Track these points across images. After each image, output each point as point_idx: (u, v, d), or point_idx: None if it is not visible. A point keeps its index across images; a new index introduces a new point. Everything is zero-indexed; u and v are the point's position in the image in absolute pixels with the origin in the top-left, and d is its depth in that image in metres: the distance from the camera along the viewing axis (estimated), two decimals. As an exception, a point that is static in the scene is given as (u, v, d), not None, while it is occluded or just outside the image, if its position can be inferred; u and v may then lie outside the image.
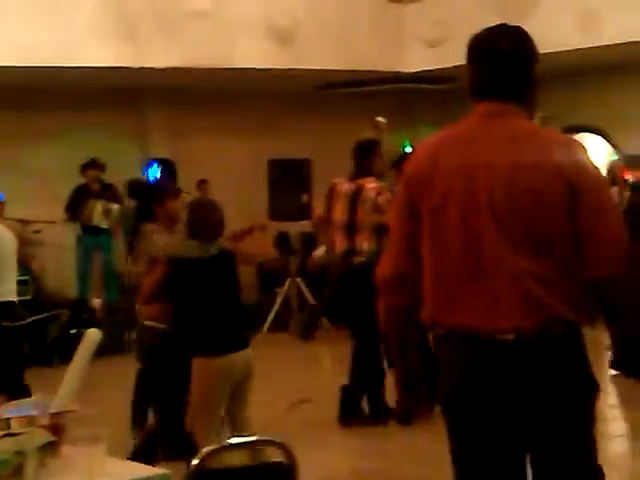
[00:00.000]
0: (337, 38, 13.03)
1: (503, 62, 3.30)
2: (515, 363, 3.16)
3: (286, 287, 13.34)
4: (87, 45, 11.58)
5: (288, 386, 9.20)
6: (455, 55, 14.12)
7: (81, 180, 13.00)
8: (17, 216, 12.00)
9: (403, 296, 3.42)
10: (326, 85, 14.25)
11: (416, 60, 13.74)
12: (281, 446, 3.04)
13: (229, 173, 14.19)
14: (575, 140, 3.42)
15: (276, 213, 13.83)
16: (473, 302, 3.19)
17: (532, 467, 3.24)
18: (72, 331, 11.25)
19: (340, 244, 7.92)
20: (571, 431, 3.21)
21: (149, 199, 7.28)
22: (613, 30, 11.94)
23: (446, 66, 13.56)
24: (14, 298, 7.96)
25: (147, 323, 6.29)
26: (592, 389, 3.25)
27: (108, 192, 13.01)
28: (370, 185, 7.91)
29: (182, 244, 5.93)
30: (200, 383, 5.60)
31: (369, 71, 13.44)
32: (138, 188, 12.22)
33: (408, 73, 13.93)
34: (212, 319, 5.63)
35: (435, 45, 13.52)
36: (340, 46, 13.05)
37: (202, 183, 13.63)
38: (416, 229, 3.32)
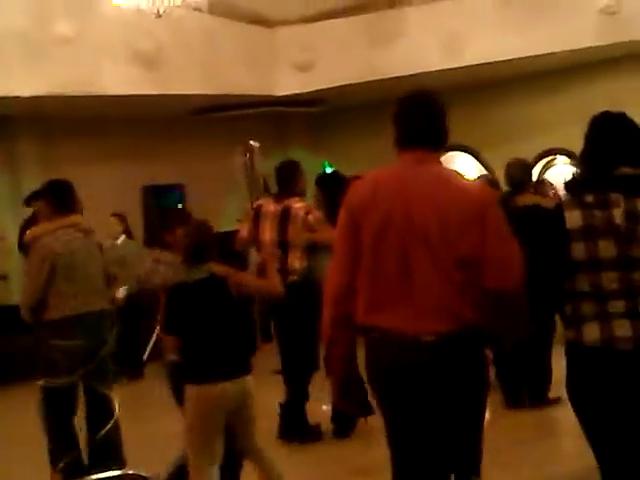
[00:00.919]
0: (203, 63, 13.03)
1: (424, 121, 4.19)
2: (433, 359, 3.95)
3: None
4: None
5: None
6: (325, 78, 14.44)
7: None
8: None
9: (349, 305, 4.09)
10: (197, 110, 14.23)
11: (286, 83, 13.86)
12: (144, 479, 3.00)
13: (103, 200, 14.02)
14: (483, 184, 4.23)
15: (150, 240, 13.71)
16: (403, 309, 3.98)
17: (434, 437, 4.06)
18: None
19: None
20: (466, 412, 4.07)
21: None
22: (474, 51, 12.28)
23: (316, 89, 13.74)
24: None
25: (168, 357, 5.90)
26: (484, 384, 4.14)
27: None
28: (297, 205, 8.01)
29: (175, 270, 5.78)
30: (192, 412, 5.41)
31: (239, 95, 13.47)
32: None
33: (279, 96, 14.03)
34: (202, 345, 5.42)
35: (305, 69, 13.65)
36: (207, 70, 13.06)
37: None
38: (357, 247, 4.08)
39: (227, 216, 13.70)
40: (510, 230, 4.04)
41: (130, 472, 2.92)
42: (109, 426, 6.46)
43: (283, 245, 7.98)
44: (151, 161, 14.57)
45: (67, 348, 6.51)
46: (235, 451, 5.57)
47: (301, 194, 8.23)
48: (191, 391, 5.38)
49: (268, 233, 8.10)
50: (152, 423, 8.86)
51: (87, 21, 12.08)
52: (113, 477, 2.97)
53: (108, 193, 14.25)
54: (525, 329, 4.25)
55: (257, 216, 8.25)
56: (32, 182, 13.78)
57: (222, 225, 14.05)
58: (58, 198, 6.86)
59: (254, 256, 8.38)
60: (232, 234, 12.33)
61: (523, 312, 4.01)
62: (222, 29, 13.18)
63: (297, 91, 13.95)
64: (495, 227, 3.98)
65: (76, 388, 6.64)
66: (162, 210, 13.95)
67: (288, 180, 8.18)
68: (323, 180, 8.84)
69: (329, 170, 10.48)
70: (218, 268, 5.49)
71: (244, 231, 8.43)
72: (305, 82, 13.74)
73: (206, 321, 5.41)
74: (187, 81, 12.83)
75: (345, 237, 4.15)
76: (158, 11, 10.42)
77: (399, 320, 3.97)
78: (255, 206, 8.56)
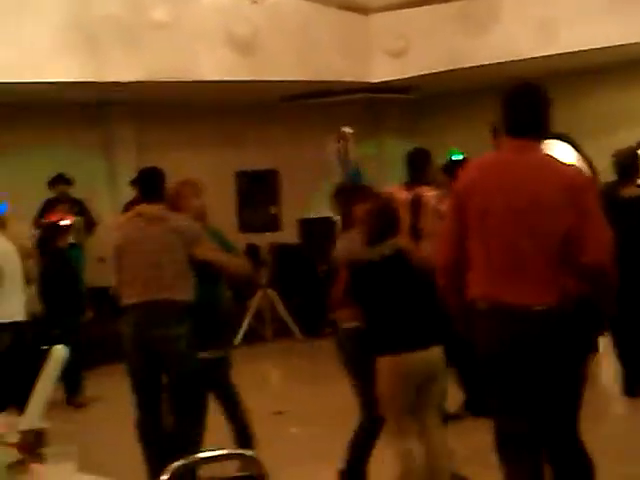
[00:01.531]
0: (299, 48, 13.04)
1: (527, 112, 4.56)
2: (543, 328, 4.41)
3: (257, 299, 13.34)
4: (52, 60, 11.52)
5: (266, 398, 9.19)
6: (418, 65, 14.35)
7: (50, 194, 12.90)
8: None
9: (456, 276, 4.65)
10: (291, 96, 14.28)
11: (380, 70, 13.81)
12: (250, 459, 3.03)
13: (197, 185, 14.18)
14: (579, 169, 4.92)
15: (245, 225, 13.84)
16: (511, 283, 4.45)
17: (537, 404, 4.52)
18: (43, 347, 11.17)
19: None
20: (569, 380, 4.51)
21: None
22: (569, 38, 12.09)
23: (410, 76, 13.68)
24: (21, 318, 7.74)
25: (345, 325, 6.11)
26: (587, 352, 4.76)
27: (76, 207, 12.92)
28: (429, 193, 7.99)
29: (359, 248, 5.86)
30: (384, 382, 5.56)
31: (333, 81, 13.48)
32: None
33: (373, 83, 14.01)
34: (392, 318, 5.57)
35: (399, 56, 13.61)
36: (302, 56, 13.07)
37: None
38: (463, 227, 4.59)
39: (319, 203, 13.72)
40: (604, 213, 4.49)
41: (236, 451, 2.97)
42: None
43: (414, 233, 7.95)
44: (244, 147, 14.68)
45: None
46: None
47: (432, 182, 8.19)
48: (383, 362, 5.53)
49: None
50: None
51: (183, 7, 12.20)
52: (219, 455, 3.02)
53: (202, 179, 14.37)
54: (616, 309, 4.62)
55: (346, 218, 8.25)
56: (127, 167, 14.05)
57: (314, 211, 14.17)
58: (141, 186, 6.90)
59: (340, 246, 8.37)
60: (324, 220, 12.51)
61: (614, 289, 4.45)
62: (317, 15, 13.19)
63: (391, 78, 13.89)
64: (589, 209, 4.40)
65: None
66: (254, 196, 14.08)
67: (420, 168, 8.16)
68: (450, 167, 8.77)
69: (456, 157, 10.38)
70: (405, 243, 5.71)
71: None
72: (399, 69, 13.69)
73: (395, 295, 5.58)
74: (282, 67, 12.87)
75: (453, 217, 4.69)
76: (254, -3, 10.49)
77: (509, 293, 4.45)
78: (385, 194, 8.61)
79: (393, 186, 8.62)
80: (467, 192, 4.60)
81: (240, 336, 12.81)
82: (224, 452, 3.07)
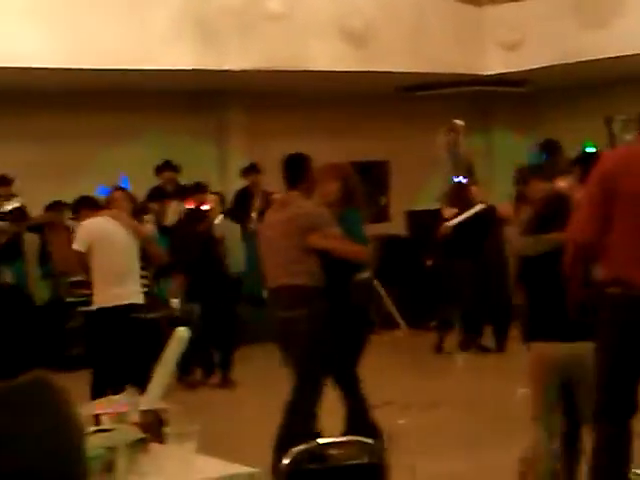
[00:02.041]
0: (412, 39, 12.99)
1: None
2: None
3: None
4: (166, 48, 11.70)
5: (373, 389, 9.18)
6: (533, 58, 14.13)
7: (157, 181, 13.09)
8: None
9: (590, 258, 4.96)
10: (404, 88, 14.23)
11: (493, 63, 13.69)
12: (370, 447, 3.03)
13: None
14: None
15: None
16: None
17: None
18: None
19: None
20: None
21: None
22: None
23: (523, 69, 13.51)
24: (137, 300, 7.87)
25: None
26: None
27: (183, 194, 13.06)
28: (562, 184, 7.98)
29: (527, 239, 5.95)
30: (531, 367, 5.64)
31: (446, 73, 13.38)
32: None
33: (485, 75, 13.88)
34: (549, 307, 5.60)
35: (513, 48, 13.45)
36: (415, 48, 13.02)
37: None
38: (607, 211, 4.80)
39: (428, 194, 13.66)
40: None
41: (357, 438, 2.98)
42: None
43: None
44: (356, 137, 14.68)
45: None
46: (576, 418, 5.61)
47: (563, 172, 8.15)
48: (533, 348, 5.60)
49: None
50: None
51: (299, -2, 12.26)
52: (340, 442, 3.03)
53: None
54: None
55: (521, 197, 8.29)
56: (238, 154, 14.20)
57: (422, 203, 14.10)
58: (283, 172, 6.92)
59: (510, 233, 8.37)
60: (432, 212, 12.44)
61: None
62: (431, 6, 13.13)
63: (504, 70, 13.76)
64: None
65: None
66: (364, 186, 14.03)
67: (552, 159, 8.14)
68: (584, 158, 8.70)
69: (590, 149, 10.26)
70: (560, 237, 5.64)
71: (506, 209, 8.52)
72: (513, 61, 13.54)
73: (553, 286, 5.54)
74: (394, 58, 12.84)
75: (595, 202, 4.89)
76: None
77: None
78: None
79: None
80: (615, 177, 4.79)
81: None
82: (344, 439, 3.07)
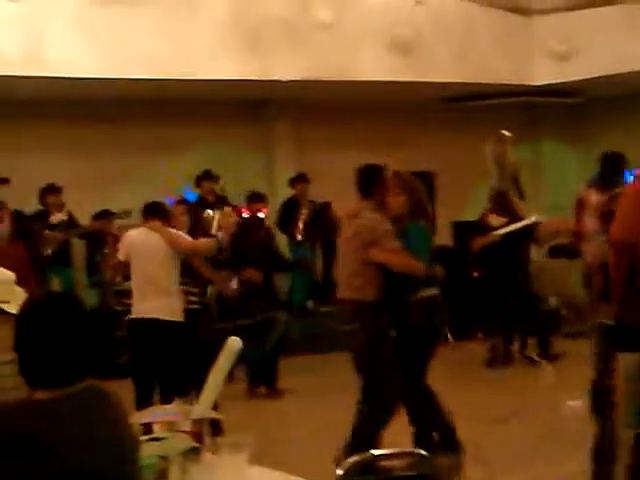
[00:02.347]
0: (460, 49, 12.94)
1: None
2: None
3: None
4: (214, 58, 11.74)
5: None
6: (582, 68, 14.02)
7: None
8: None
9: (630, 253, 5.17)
10: (451, 98, 14.18)
11: (543, 73, 13.59)
12: (426, 458, 2.99)
13: (353, 186, 14.20)
14: None
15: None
16: None
17: None
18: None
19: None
20: None
21: None
22: None
23: (573, 79, 13.41)
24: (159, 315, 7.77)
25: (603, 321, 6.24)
26: None
27: (221, 204, 13.03)
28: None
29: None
30: (619, 378, 5.58)
31: (494, 84, 13.31)
32: None
33: (534, 86, 13.78)
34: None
35: (562, 58, 13.36)
36: (464, 58, 12.96)
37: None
38: None
39: (474, 205, 13.57)
40: None
41: (410, 449, 2.95)
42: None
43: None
44: (402, 147, 14.63)
45: None
46: None
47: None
48: (621, 358, 5.49)
49: (590, 224, 7.99)
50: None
51: (347, 7, 12.25)
52: (394, 453, 3.00)
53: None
54: None
55: (580, 205, 8.23)
56: (285, 164, 14.21)
57: (468, 214, 14.01)
58: (356, 182, 6.95)
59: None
60: (477, 223, 12.35)
61: None
62: (480, 16, 13.06)
63: (553, 81, 13.67)
64: None
65: None
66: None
67: (616, 171, 8.08)
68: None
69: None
70: None
71: (571, 222, 8.47)
72: (562, 72, 13.44)
73: None
74: (442, 68, 12.80)
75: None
76: (419, -2, 10.46)
77: None
78: (578, 196, 8.60)
79: (583, 189, 8.54)
80: None
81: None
82: (399, 450, 3.04)
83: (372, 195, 6.69)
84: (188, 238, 8.08)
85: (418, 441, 6.62)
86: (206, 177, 12.75)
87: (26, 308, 2.90)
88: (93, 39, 11.07)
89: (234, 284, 10.27)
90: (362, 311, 6.52)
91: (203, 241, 8.53)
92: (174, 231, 8.01)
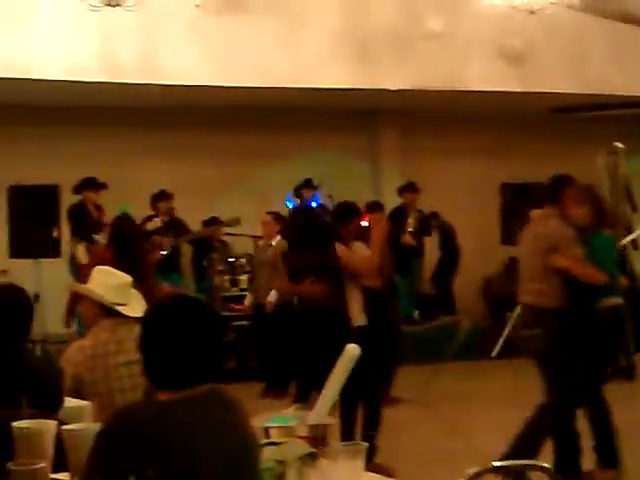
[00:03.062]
0: (572, 60, 12.76)
1: None
2: None
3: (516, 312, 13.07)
4: (322, 66, 11.80)
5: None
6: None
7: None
8: (252, 233, 12.42)
9: None
10: (562, 108, 13.99)
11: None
12: (549, 472, 2.96)
13: (459, 195, 14.15)
14: None
15: (506, 238, 13.67)
16: None
17: None
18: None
19: None
20: None
21: None
22: None
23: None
24: None
25: None
26: None
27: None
28: None
29: None
30: None
31: (606, 95, 13.10)
32: None
33: (647, 97, 13.53)
34: None
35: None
36: (576, 68, 12.78)
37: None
38: None
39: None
40: None
41: (535, 463, 2.91)
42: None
43: None
44: (511, 158, 14.52)
45: None
46: None
47: None
48: None
49: None
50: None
51: (457, 17, 12.20)
52: (514, 466, 2.97)
53: (466, 189, 14.36)
54: None
55: None
56: (391, 173, 14.21)
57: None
58: (544, 190, 7.12)
59: None
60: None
61: None
62: (594, 27, 12.85)
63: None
64: None
65: None
66: (519, 208, 13.85)
67: None
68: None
69: None
70: None
71: None
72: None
73: None
74: (554, 78, 12.64)
75: None
76: (532, 7, 10.35)
77: None
78: None
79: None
80: None
81: (497, 349, 12.65)
82: (521, 463, 3.01)
83: (557, 203, 6.85)
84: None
85: (599, 451, 6.73)
86: (307, 185, 12.84)
87: (154, 310, 2.96)
88: (208, 48, 11.23)
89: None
90: (543, 317, 6.64)
91: None
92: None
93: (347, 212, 7.93)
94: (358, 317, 7.59)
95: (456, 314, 13.61)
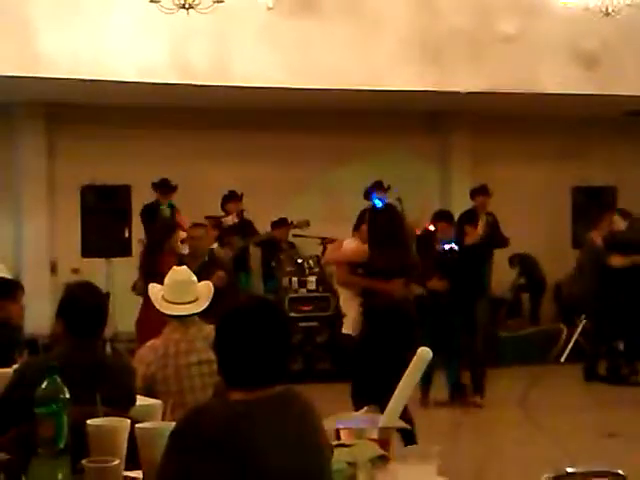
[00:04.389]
0: (647, 63, 12.58)
1: None
2: None
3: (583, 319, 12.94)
4: (393, 69, 11.78)
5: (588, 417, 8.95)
6: None
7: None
8: (320, 234, 12.44)
9: None
10: (637, 111, 13.81)
11: None
12: (623, 478, 2.91)
13: (530, 198, 14.03)
14: None
15: (578, 241, 13.52)
16: None
17: None
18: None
19: None
20: None
21: None
22: None
23: None
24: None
25: None
26: None
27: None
28: None
29: None
30: None
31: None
32: None
33: None
34: None
35: None
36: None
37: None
38: None
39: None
40: None
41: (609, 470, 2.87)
42: None
43: None
44: (583, 161, 14.37)
45: None
46: None
47: None
48: None
49: None
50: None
51: (531, 19, 12.09)
52: (593, 472, 2.93)
53: (537, 192, 14.23)
54: None
55: None
56: (462, 176, 14.12)
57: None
58: None
59: None
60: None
61: None
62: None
63: None
64: None
65: None
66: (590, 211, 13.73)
67: None
68: None
69: None
70: None
71: None
72: None
73: None
74: (628, 81, 12.46)
75: None
76: (607, 9, 10.23)
77: None
78: None
79: None
80: None
81: (566, 354, 12.55)
82: (598, 469, 2.96)
83: None
84: None
85: None
86: (377, 188, 12.79)
87: (229, 310, 2.96)
88: (279, 50, 11.27)
89: None
90: None
91: None
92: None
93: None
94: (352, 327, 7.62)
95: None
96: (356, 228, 8.59)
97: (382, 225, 7.75)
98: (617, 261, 11.41)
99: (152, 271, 8.04)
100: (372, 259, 7.65)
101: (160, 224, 10.69)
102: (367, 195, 12.81)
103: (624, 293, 11.55)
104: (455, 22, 11.95)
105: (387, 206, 8.72)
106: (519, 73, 12.10)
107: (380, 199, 12.48)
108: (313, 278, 12.16)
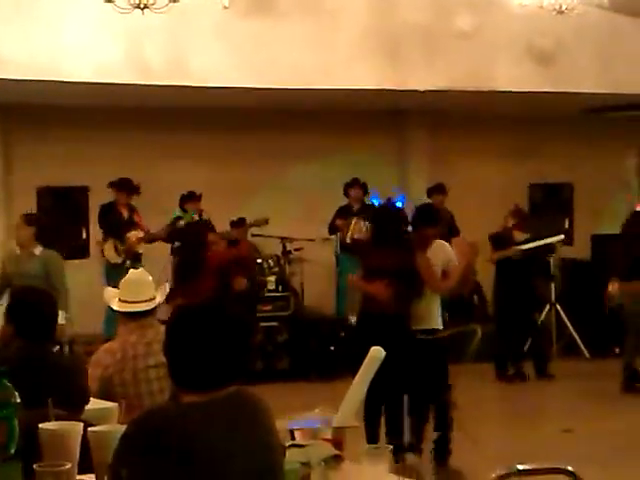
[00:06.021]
0: (601, 59, 12.66)
1: None
2: None
3: (544, 314, 13.03)
4: (350, 67, 11.78)
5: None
6: None
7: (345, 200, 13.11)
8: (279, 234, 12.43)
9: None
10: (591, 109, 13.91)
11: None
12: (572, 475, 2.94)
13: (487, 196, 14.09)
14: None
15: (535, 237, 13.60)
16: None
17: None
18: (331, 347, 11.64)
19: None
20: None
21: None
22: None
23: None
24: None
25: None
26: None
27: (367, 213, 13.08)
28: None
29: None
30: None
31: (637, 95, 13.01)
32: None
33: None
34: None
35: None
36: (606, 68, 12.68)
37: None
38: None
39: (613, 218, 13.29)
40: None
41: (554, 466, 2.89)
42: None
43: None
44: (540, 159, 14.46)
45: None
46: None
47: None
48: None
49: None
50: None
51: (486, 16, 12.13)
52: (537, 470, 2.95)
53: (494, 189, 14.30)
54: None
55: None
56: (420, 174, 14.17)
57: (607, 227, 13.74)
58: None
59: None
60: (618, 237, 12.10)
61: None
62: (624, 26, 12.76)
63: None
64: None
65: None
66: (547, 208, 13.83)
67: None
68: None
69: None
70: None
71: None
72: None
73: None
74: (583, 78, 12.55)
75: None
76: (560, 7, 10.30)
77: None
78: None
79: None
80: None
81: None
82: (544, 466, 2.99)
83: None
84: None
85: None
86: (355, 184, 12.86)
87: (178, 313, 2.96)
88: (236, 49, 11.25)
89: None
90: None
91: None
92: None
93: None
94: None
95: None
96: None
97: (379, 224, 7.86)
98: (493, 257, 11.64)
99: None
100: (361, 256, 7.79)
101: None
102: (346, 192, 12.90)
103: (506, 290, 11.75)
104: (411, 18, 11.96)
105: (390, 206, 8.80)
106: (475, 70, 12.15)
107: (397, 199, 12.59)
108: (273, 278, 12.16)
